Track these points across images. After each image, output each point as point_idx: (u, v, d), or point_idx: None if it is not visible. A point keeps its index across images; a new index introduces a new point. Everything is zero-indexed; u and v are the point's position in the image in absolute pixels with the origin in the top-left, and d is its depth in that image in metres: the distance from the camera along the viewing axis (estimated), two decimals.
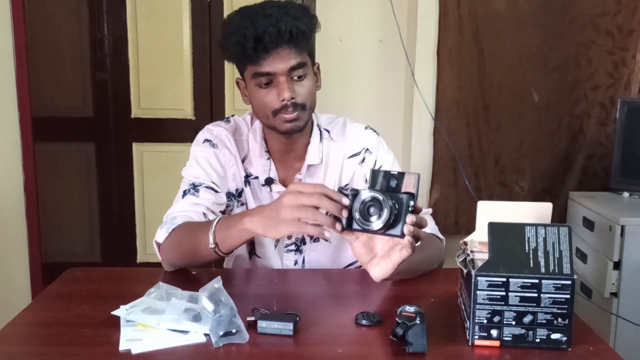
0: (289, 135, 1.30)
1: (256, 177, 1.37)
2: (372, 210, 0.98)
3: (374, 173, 1.03)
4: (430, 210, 1.42)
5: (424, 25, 2.56)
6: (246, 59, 1.23)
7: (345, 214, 1.00)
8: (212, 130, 1.39)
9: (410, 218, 0.97)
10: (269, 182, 1.36)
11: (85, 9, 3.01)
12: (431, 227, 1.35)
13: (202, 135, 1.39)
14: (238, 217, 1.11)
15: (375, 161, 1.39)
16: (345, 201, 1.00)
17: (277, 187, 1.36)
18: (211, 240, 1.14)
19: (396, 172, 1.02)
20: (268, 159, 1.36)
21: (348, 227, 1.01)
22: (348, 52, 2.80)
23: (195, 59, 2.99)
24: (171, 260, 1.25)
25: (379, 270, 1.06)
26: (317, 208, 1.00)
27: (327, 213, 1.01)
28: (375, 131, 1.43)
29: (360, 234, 1.05)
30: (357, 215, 0.99)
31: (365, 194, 0.99)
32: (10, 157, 2.56)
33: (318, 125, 1.39)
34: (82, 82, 3.09)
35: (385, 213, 0.97)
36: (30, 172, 2.63)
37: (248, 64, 1.24)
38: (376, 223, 0.98)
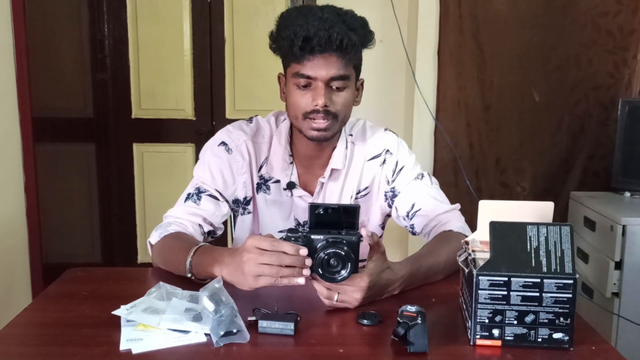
0: (318, 142, 1.29)
1: (277, 181, 1.36)
2: (332, 261, 1.00)
3: (312, 208, 1.04)
4: (458, 206, 1.40)
5: (425, 25, 2.56)
6: (292, 56, 1.22)
7: (309, 262, 1.00)
8: (232, 132, 1.36)
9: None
10: (290, 186, 1.35)
11: (85, 9, 3.01)
12: (458, 226, 1.33)
13: (220, 135, 1.36)
14: (210, 260, 1.09)
15: (397, 162, 1.37)
16: (303, 252, 1.00)
17: (298, 192, 1.35)
18: (188, 268, 1.14)
19: (336, 205, 1.04)
20: (291, 163, 1.35)
21: (315, 272, 1.02)
22: None
23: (196, 60, 2.98)
24: (158, 265, 1.27)
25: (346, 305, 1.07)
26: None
27: None
28: (395, 133, 1.43)
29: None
30: (320, 271, 1.01)
31: (322, 252, 1.00)
32: (11, 157, 2.55)
33: (344, 131, 1.38)
34: (82, 83, 3.09)
35: (350, 267, 1.00)
36: (30, 172, 2.62)
37: (292, 62, 1.23)
38: (341, 275, 1.00)
